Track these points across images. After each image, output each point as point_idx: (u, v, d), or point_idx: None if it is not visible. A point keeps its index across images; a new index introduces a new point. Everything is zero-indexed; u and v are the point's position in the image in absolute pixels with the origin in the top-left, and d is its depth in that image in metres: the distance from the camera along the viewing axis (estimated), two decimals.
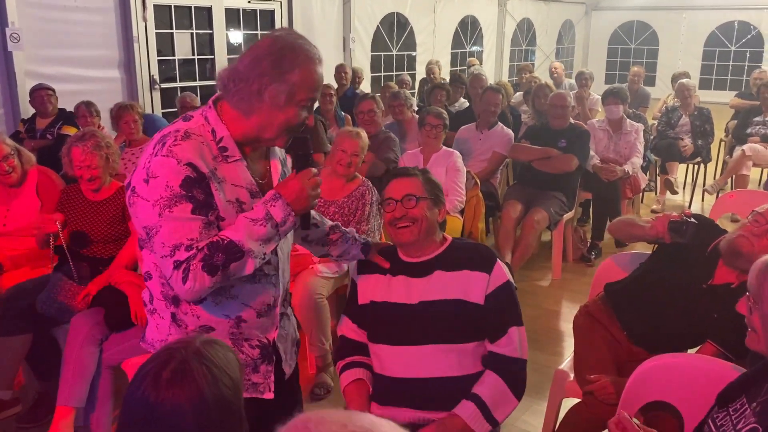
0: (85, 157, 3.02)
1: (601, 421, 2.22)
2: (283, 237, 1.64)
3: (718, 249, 2.37)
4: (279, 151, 1.85)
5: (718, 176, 6.79)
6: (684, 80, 6.90)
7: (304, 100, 1.62)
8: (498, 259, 2.09)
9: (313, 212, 1.82)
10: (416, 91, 8.73)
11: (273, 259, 1.74)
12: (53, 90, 5.26)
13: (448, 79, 8.02)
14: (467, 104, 6.88)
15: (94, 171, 3.05)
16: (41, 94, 5.17)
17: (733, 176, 6.23)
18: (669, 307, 2.42)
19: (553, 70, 8.43)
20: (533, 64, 11.10)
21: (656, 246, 2.61)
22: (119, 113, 4.53)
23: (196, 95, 6.77)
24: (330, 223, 2.08)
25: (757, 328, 1.56)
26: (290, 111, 1.61)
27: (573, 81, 8.34)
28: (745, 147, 6.18)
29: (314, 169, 1.65)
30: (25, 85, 5.50)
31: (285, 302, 1.88)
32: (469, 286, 2.02)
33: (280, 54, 1.58)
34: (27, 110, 5.47)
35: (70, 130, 5.02)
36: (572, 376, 2.61)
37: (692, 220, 2.34)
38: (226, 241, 1.53)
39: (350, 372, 2.12)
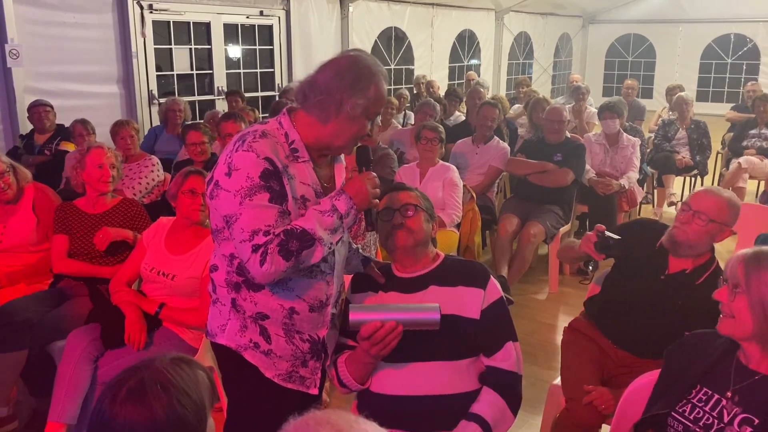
0: (110, 155, 3.18)
1: (583, 427, 2.32)
2: (347, 230, 1.81)
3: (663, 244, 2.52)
4: (342, 157, 2.04)
5: None
6: (682, 93, 6.94)
7: (374, 114, 1.83)
8: (491, 276, 2.11)
9: None
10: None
11: (330, 259, 1.90)
12: (51, 106, 5.30)
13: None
14: (463, 118, 6.91)
15: (114, 171, 3.17)
16: (39, 110, 5.21)
17: (730, 189, 6.25)
18: (638, 304, 2.51)
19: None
20: (530, 78, 11.17)
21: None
22: (115, 129, 4.56)
23: (196, 110, 6.84)
24: None
25: (739, 314, 1.67)
26: (361, 122, 1.81)
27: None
28: (741, 159, 6.20)
29: (373, 173, 1.84)
30: (24, 101, 5.53)
31: (337, 304, 2.02)
32: (465, 302, 2.04)
33: (360, 72, 1.77)
34: (26, 126, 5.50)
35: (69, 146, 5.05)
36: None
37: (609, 233, 2.44)
38: (299, 230, 1.70)
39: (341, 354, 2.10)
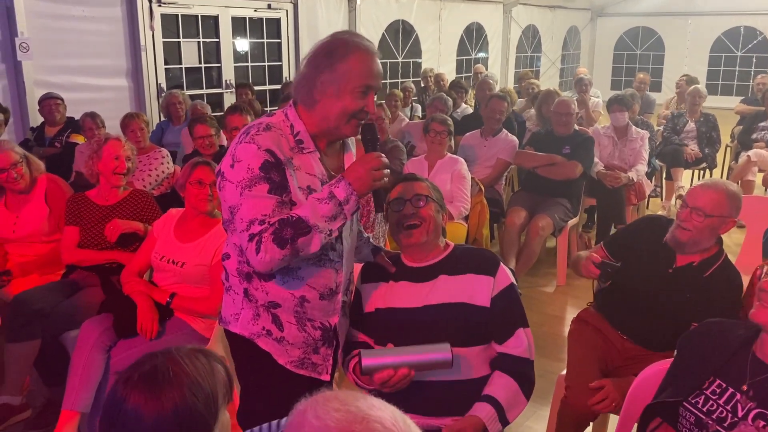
0: (126, 147, 3.21)
1: (580, 414, 2.36)
2: (349, 217, 1.78)
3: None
4: (353, 147, 2.02)
5: None
6: (697, 86, 6.89)
7: (358, 87, 1.76)
8: (501, 263, 2.11)
9: None
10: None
11: (338, 247, 1.91)
12: (62, 99, 5.33)
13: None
14: (470, 110, 6.90)
15: (129, 163, 3.20)
16: (50, 103, 5.25)
17: (739, 181, 6.22)
18: (647, 297, 2.51)
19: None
20: (538, 71, 11.14)
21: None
22: (125, 122, 4.58)
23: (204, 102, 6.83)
24: None
25: None
26: (345, 99, 1.77)
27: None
28: (750, 152, 6.16)
29: (378, 153, 1.79)
30: (34, 94, 5.58)
31: (347, 291, 2.04)
32: (475, 290, 2.05)
33: (332, 48, 1.77)
34: (36, 119, 5.54)
35: (79, 139, 5.09)
36: None
37: (606, 261, 2.49)
38: (294, 218, 1.71)
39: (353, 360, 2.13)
